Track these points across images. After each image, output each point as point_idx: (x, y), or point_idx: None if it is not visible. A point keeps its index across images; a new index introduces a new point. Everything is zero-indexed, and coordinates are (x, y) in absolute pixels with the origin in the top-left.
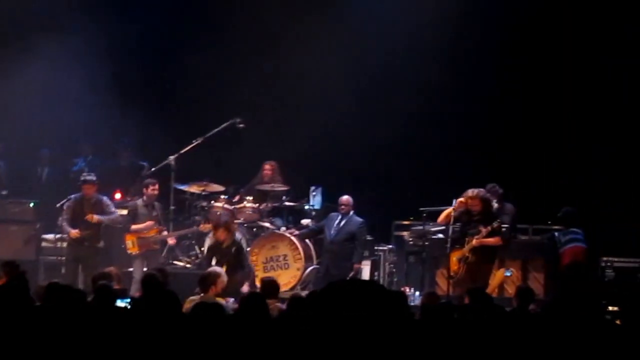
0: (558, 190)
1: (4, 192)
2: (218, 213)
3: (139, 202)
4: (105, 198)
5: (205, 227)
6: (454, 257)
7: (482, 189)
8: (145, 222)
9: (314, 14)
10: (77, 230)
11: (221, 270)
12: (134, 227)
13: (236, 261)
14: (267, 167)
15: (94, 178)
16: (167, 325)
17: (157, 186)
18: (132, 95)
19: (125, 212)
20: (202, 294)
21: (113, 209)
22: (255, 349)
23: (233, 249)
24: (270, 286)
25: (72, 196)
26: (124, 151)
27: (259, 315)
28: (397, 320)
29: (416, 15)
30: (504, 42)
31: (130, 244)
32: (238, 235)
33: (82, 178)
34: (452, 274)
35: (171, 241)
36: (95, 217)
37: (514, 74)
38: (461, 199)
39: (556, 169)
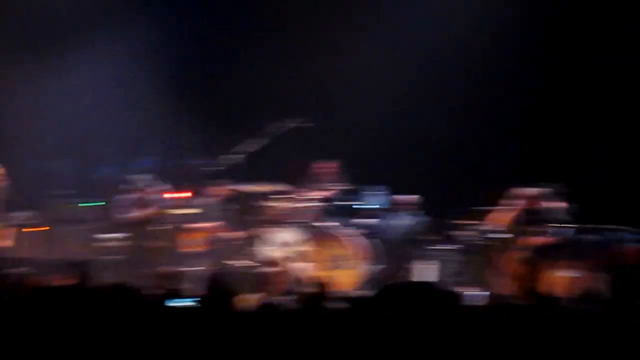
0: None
1: (66, 193)
2: (279, 212)
3: (210, 200)
4: None
5: (269, 231)
6: (513, 257)
7: (539, 188)
8: (210, 220)
9: (365, 14)
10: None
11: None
12: (203, 224)
13: None
14: (327, 166)
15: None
16: (227, 323)
17: (225, 187)
18: (191, 94)
19: (192, 211)
20: (262, 291)
21: None
22: (314, 348)
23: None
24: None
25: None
26: (187, 151)
27: (320, 314)
28: (452, 321)
29: (468, 11)
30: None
31: (197, 242)
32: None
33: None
34: (510, 273)
35: (240, 236)
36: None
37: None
38: (519, 199)
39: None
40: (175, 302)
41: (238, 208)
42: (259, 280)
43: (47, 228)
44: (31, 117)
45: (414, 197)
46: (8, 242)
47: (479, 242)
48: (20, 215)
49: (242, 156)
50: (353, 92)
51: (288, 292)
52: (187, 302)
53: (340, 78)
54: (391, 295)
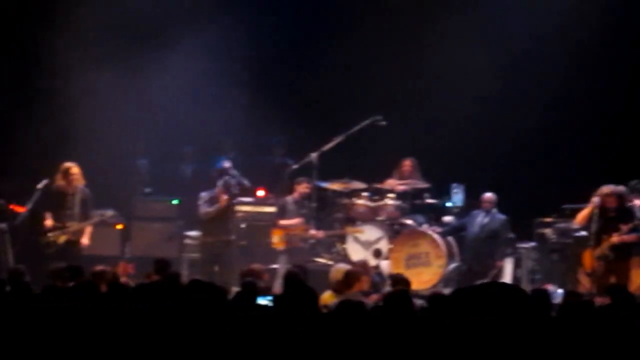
0: None
1: (147, 190)
2: (360, 210)
3: (289, 199)
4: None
5: (351, 230)
6: (591, 255)
7: (619, 186)
8: (293, 218)
9: (452, 9)
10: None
11: (368, 268)
12: (282, 222)
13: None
14: (406, 163)
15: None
16: (306, 322)
17: (309, 185)
18: (272, 91)
19: (271, 209)
20: (345, 290)
21: None
22: (394, 347)
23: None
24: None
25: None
26: (279, 148)
27: (403, 312)
28: (537, 323)
29: (561, 3)
30: None
31: (277, 239)
32: (376, 278)
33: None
34: (589, 271)
35: (320, 235)
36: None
37: None
38: (597, 197)
39: None
40: (258, 300)
41: (317, 206)
42: (338, 279)
43: (122, 226)
44: (111, 115)
45: (493, 195)
46: (86, 240)
47: (558, 240)
48: (99, 213)
49: (321, 153)
50: (438, 89)
51: (369, 291)
52: (264, 301)
53: (424, 75)
54: (467, 297)
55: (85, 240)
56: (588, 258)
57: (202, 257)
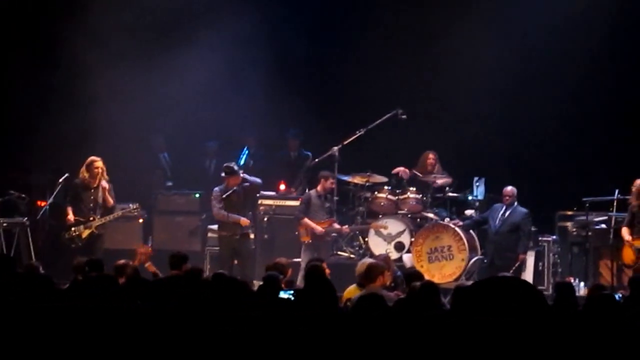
0: None
1: (169, 184)
2: (382, 203)
3: (312, 193)
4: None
5: (377, 225)
6: (631, 247)
7: None
8: (317, 212)
9: (474, 5)
10: (246, 219)
11: (390, 262)
12: (307, 221)
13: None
14: (430, 156)
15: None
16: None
17: (334, 180)
18: (295, 85)
19: (295, 202)
20: (367, 284)
21: None
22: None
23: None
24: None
25: (218, 188)
26: (294, 142)
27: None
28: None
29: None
30: None
31: (304, 233)
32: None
33: (233, 169)
34: (629, 264)
35: (346, 229)
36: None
37: None
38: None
39: None
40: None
41: (340, 200)
42: (361, 273)
43: (141, 220)
44: (133, 110)
45: (514, 189)
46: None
47: (579, 233)
48: (122, 207)
49: (343, 147)
50: (459, 83)
51: (391, 285)
52: (286, 295)
53: (445, 69)
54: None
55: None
56: (627, 252)
57: (220, 251)
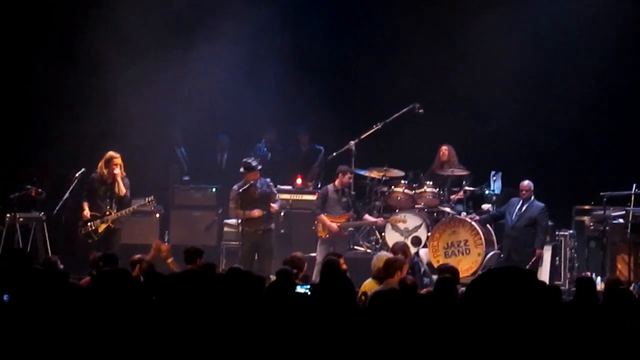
0: None
1: (186, 178)
2: (399, 198)
3: (330, 187)
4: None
5: (396, 219)
6: (634, 242)
7: None
8: (334, 207)
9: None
10: (259, 210)
11: (407, 250)
12: (323, 218)
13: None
14: (443, 148)
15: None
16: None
17: (352, 175)
18: (312, 79)
19: (311, 197)
20: (386, 279)
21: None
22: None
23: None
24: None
25: (237, 183)
26: (304, 137)
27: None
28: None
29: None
30: None
31: (321, 227)
32: (416, 258)
33: (252, 165)
34: (630, 258)
35: (380, 221)
36: (274, 207)
37: None
38: None
39: None
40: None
41: (357, 194)
42: (380, 267)
43: (158, 214)
44: (150, 105)
45: (531, 183)
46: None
47: (597, 228)
48: (139, 201)
49: (359, 141)
50: (476, 77)
51: (409, 272)
52: (302, 289)
53: (463, 63)
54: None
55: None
56: (630, 245)
57: (242, 246)
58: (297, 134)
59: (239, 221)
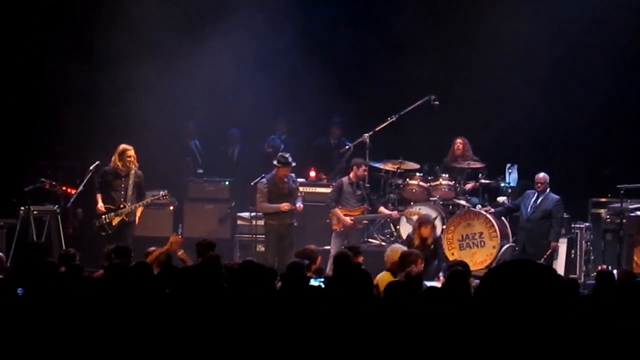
0: None
1: (200, 171)
2: (413, 190)
3: (344, 180)
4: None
5: (411, 212)
6: None
7: None
8: (349, 200)
9: None
10: (287, 203)
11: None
12: (337, 211)
13: (432, 256)
14: (457, 141)
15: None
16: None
17: (367, 167)
18: (326, 71)
19: (326, 189)
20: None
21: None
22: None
23: (432, 246)
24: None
25: (266, 176)
26: (337, 129)
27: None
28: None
29: None
30: None
31: (335, 220)
32: (438, 233)
33: (288, 160)
34: None
35: (395, 214)
36: (300, 206)
37: None
38: None
39: None
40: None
41: (371, 187)
42: (395, 260)
43: (172, 207)
44: (163, 98)
45: (546, 175)
46: (137, 221)
47: (613, 220)
48: (153, 194)
49: (374, 134)
50: (492, 69)
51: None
52: (316, 282)
53: (478, 55)
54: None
55: (136, 220)
56: None
57: (267, 239)
58: (330, 126)
59: (252, 214)
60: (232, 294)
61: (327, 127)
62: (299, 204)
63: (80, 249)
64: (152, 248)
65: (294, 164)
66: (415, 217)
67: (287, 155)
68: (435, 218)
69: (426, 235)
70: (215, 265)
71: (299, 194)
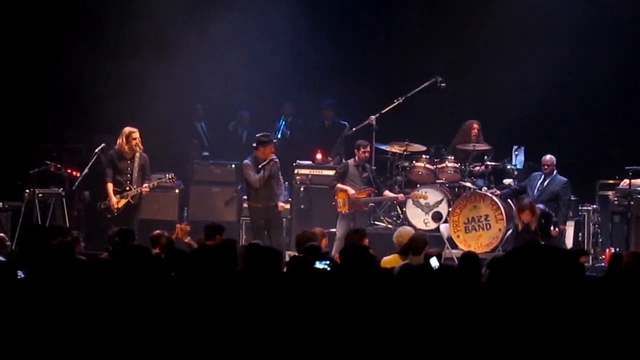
0: None
1: (206, 154)
2: (420, 173)
3: (350, 162)
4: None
5: (417, 195)
6: None
7: None
8: (355, 182)
9: None
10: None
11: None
12: (340, 185)
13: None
14: (474, 126)
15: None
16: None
17: (368, 148)
18: (333, 52)
19: (331, 172)
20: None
21: None
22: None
23: (537, 232)
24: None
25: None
26: (328, 111)
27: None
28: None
29: None
30: None
31: (341, 203)
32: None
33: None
34: None
35: (401, 197)
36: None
37: None
38: None
39: None
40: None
41: (378, 169)
42: (404, 242)
43: (178, 190)
44: (169, 80)
45: (552, 157)
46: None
47: (621, 202)
48: (159, 177)
49: (381, 116)
50: (498, 50)
51: (428, 254)
52: (321, 265)
53: (485, 36)
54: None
55: (145, 189)
56: None
57: (253, 222)
58: (322, 108)
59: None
60: (241, 277)
61: (319, 110)
62: (283, 204)
63: (87, 231)
64: (158, 231)
65: (274, 140)
66: (421, 201)
67: (261, 135)
68: (518, 199)
69: (527, 220)
70: (232, 249)
71: (283, 186)
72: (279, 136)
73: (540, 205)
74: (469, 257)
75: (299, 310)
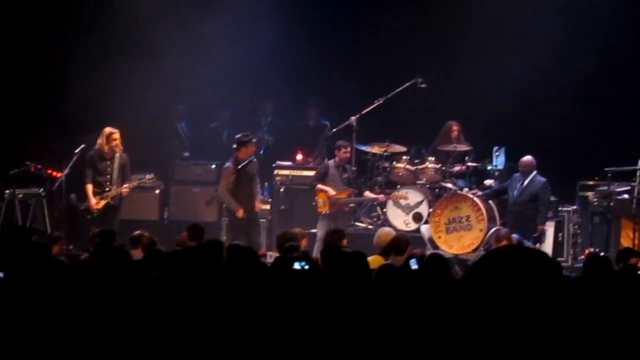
0: None
1: (186, 154)
2: (400, 173)
3: (331, 162)
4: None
5: (398, 196)
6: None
7: None
8: (335, 182)
9: None
10: (242, 210)
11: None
12: (321, 186)
13: None
14: (454, 128)
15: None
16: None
17: (349, 149)
18: (313, 52)
19: (312, 172)
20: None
21: None
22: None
23: None
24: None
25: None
26: (314, 110)
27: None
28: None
29: None
30: None
31: (322, 203)
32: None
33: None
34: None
35: (381, 198)
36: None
37: None
38: None
39: None
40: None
41: (357, 169)
42: (386, 244)
43: (158, 190)
44: (150, 79)
45: (531, 158)
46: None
47: (601, 203)
48: (139, 177)
49: (361, 116)
50: (479, 51)
51: (413, 255)
52: (300, 266)
53: (465, 37)
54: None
55: (125, 189)
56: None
57: (233, 223)
58: (307, 107)
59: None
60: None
61: (303, 110)
62: (260, 204)
63: (68, 232)
64: (138, 232)
65: (254, 140)
66: (402, 201)
67: (240, 136)
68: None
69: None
70: (218, 248)
71: (259, 184)
72: (262, 152)
73: (516, 236)
74: (436, 258)
75: (288, 310)
